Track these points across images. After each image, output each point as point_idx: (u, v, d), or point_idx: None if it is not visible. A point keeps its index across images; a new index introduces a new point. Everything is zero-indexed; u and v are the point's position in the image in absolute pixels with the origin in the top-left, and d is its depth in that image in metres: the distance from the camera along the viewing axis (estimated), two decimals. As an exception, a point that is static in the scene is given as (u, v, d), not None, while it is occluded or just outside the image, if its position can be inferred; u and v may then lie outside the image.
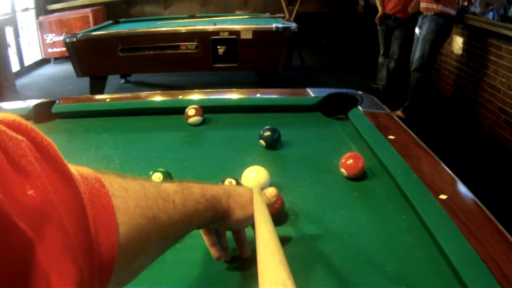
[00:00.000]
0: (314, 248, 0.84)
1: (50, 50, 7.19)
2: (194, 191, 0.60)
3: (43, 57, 7.29)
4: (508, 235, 0.82)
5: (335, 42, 7.80)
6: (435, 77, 5.39)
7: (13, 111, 1.61)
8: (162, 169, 1.02)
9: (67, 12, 7.18)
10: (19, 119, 0.35)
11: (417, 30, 4.45)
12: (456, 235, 0.81)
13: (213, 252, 0.75)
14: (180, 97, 1.71)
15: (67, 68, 5.81)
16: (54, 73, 6.71)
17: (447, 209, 0.89)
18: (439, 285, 0.73)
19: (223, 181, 0.96)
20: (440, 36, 4.25)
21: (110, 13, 7.20)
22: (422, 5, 4.26)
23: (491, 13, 5.02)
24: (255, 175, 1.00)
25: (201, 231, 0.74)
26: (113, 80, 5.45)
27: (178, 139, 1.46)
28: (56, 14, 7.23)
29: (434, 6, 4.11)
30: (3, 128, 0.32)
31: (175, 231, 0.55)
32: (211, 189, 0.65)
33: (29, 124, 0.35)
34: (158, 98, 1.74)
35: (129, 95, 1.83)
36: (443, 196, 0.94)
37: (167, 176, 1.00)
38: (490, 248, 0.77)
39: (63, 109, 1.63)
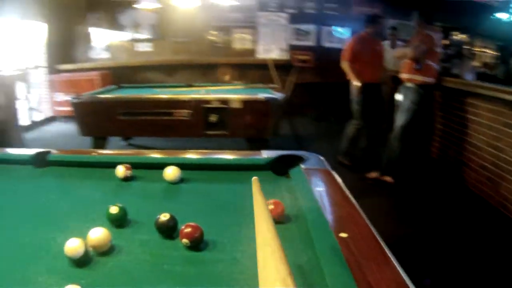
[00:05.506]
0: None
1: (59, 108, 7.54)
2: None
3: (52, 114, 7.67)
4: (395, 263, 0.98)
5: (331, 110, 7.82)
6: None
7: (17, 156, 1.99)
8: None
9: (76, 74, 7.57)
10: None
11: (399, 97, 4.49)
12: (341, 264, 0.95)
13: None
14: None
15: (73, 127, 6.09)
16: (60, 130, 6.99)
17: (342, 244, 1.05)
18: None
19: None
20: (422, 105, 4.33)
21: (116, 77, 7.43)
22: (404, 76, 4.39)
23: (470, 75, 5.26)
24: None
25: None
26: (116, 142, 5.63)
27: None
28: (66, 74, 7.62)
29: (417, 77, 4.25)
30: None
31: None
32: None
33: None
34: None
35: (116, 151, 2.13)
36: (343, 234, 1.11)
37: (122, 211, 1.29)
38: (370, 275, 0.91)
39: (56, 158, 1.95)
